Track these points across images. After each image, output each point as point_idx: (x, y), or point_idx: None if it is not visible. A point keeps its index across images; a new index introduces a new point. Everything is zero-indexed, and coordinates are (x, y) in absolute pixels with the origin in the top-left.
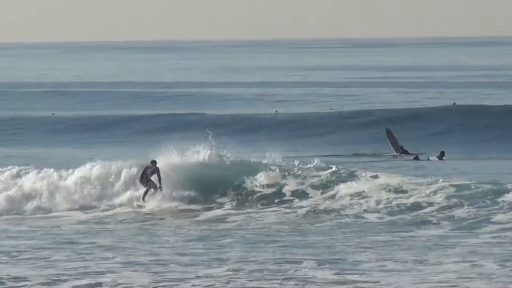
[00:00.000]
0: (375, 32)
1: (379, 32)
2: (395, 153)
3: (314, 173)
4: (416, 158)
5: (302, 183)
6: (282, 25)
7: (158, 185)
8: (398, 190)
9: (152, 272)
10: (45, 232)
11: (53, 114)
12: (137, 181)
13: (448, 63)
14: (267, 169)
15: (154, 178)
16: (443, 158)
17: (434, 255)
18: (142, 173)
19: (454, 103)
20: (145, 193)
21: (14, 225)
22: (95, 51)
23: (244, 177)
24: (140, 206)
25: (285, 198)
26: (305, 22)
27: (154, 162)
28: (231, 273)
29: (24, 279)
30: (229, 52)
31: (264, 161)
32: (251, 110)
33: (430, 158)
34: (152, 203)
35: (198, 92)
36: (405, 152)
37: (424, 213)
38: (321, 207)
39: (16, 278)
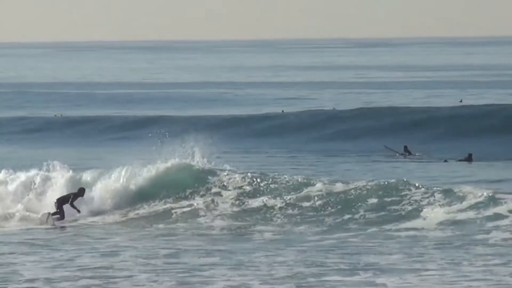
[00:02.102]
0: (375, 32)
1: (379, 32)
2: (403, 153)
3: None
4: (445, 161)
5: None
6: (282, 25)
7: (77, 210)
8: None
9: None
10: None
11: (55, 115)
12: (54, 201)
13: (448, 62)
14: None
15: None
16: (471, 160)
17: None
18: (65, 198)
19: (461, 101)
20: (54, 213)
21: None
22: (94, 51)
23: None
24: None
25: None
26: (305, 22)
27: (82, 190)
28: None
29: None
30: (229, 52)
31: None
32: (254, 110)
33: (457, 161)
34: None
35: (198, 93)
36: (409, 153)
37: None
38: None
39: None
